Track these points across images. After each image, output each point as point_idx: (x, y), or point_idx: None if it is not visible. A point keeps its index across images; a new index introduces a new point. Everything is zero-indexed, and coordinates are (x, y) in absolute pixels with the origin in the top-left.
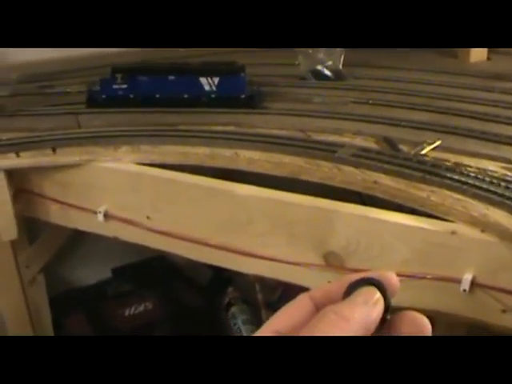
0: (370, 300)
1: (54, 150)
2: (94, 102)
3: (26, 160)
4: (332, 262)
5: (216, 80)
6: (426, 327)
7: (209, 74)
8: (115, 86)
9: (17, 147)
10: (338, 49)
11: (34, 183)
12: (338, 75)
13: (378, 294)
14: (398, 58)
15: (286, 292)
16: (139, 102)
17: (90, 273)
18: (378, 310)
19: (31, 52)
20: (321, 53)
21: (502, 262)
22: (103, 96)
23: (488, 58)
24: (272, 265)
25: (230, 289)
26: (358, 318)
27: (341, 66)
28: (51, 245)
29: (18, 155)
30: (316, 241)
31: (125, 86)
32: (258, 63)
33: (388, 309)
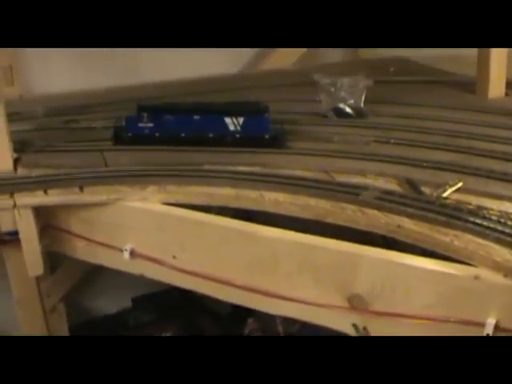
0: None
1: (81, 188)
2: (120, 139)
3: (53, 198)
4: (356, 304)
5: (240, 120)
6: None
7: (233, 113)
8: (141, 125)
9: (45, 185)
10: (360, 86)
11: (61, 220)
12: (359, 113)
13: None
14: (417, 93)
15: (306, 324)
16: (165, 141)
17: (110, 302)
18: None
19: (56, 84)
20: (342, 91)
21: None
22: (129, 134)
23: (506, 94)
24: (297, 306)
25: (250, 320)
26: None
27: (362, 104)
28: (72, 274)
29: (46, 193)
30: (341, 283)
31: (151, 125)
32: (281, 99)
33: None
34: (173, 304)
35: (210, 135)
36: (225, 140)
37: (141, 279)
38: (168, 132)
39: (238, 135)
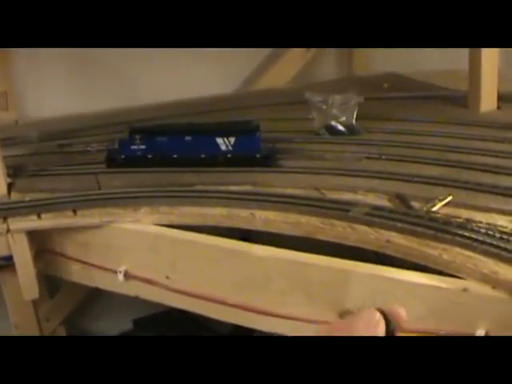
0: (371, 322)
1: (74, 211)
2: (113, 162)
3: (47, 222)
4: None
5: (232, 140)
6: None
7: (225, 134)
8: (134, 147)
9: (38, 209)
10: (351, 103)
11: (55, 243)
12: (351, 130)
13: (378, 316)
14: (409, 109)
15: None
16: (157, 163)
17: (110, 324)
18: (380, 332)
19: (51, 109)
20: (334, 108)
21: None
22: (122, 156)
23: (498, 107)
24: (290, 323)
25: None
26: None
27: (354, 121)
28: (71, 298)
29: (39, 217)
30: (332, 299)
31: (143, 147)
32: (274, 118)
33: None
34: (174, 325)
35: (202, 156)
36: (217, 160)
37: (142, 301)
38: (160, 153)
39: (229, 155)
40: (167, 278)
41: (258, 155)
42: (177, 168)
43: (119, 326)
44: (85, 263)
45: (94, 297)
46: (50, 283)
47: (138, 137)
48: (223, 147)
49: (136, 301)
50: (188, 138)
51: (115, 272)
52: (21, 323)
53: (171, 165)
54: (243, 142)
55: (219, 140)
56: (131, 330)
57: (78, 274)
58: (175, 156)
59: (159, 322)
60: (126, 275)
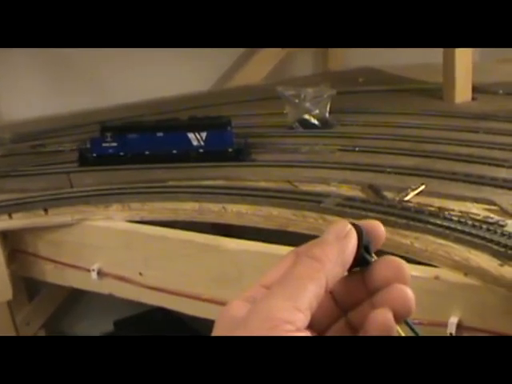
0: (341, 234)
1: (45, 210)
2: (85, 160)
3: (18, 221)
4: None
5: (203, 135)
6: (402, 269)
7: (196, 129)
8: (105, 145)
9: (9, 208)
10: (324, 96)
11: (27, 243)
12: (325, 123)
13: (349, 226)
14: (384, 101)
15: None
16: (129, 160)
17: (91, 326)
18: (350, 244)
19: (23, 111)
20: (307, 102)
21: (485, 304)
22: (94, 155)
23: (473, 98)
24: None
25: None
26: (331, 257)
27: (327, 114)
28: (51, 301)
29: (10, 217)
30: None
31: (114, 144)
32: (248, 114)
33: (368, 250)
34: (155, 325)
35: (174, 151)
36: (189, 156)
37: (122, 302)
38: (132, 150)
39: (201, 150)
40: (140, 274)
41: (230, 150)
42: (149, 164)
43: (100, 327)
44: (58, 263)
45: (74, 299)
46: (29, 287)
47: (109, 134)
48: (195, 142)
49: (117, 302)
50: (159, 134)
51: (88, 270)
52: None
53: (143, 161)
54: (215, 137)
55: (191, 135)
56: (112, 331)
57: (51, 274)
58: (147, 153)
59: (140, 323)
60: (100, 273)
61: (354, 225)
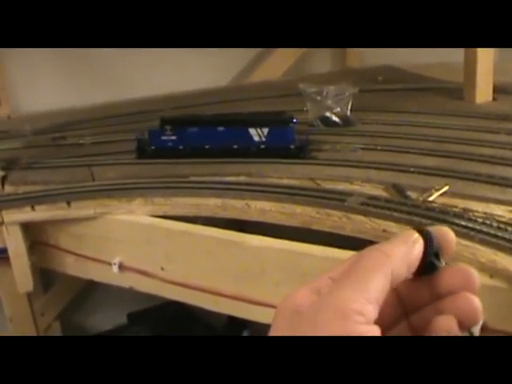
0: (409, 240)
1: (68, 203)
2: (143, 153)
3: (41, 214)
4: None
5: (265, 131)
6: (473, 278)
7: (258, 124)
8: (164, 138)
9: (32, 201)
10: (346, 94)
11: (49, 235)
12: (346, 121)
13: (416, 235)
14: (405, 100)
15: None
16: (188, 154)
17: (105, 318)
18: (417, 249)
19: (44, 103)
20: (329, 99)
21: (511, 307)
22: (152, 147)
23: (494, 99)
24: None
25: (245, 333)
26: (398, 253)
27: (349, 112)
28: (66, 292)
29: (33, 209)
30: None
31: (174, 138)
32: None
33: (437, 255)
34: (168, 318)
35: (235, 146)
36: (249, 151)
37: (136, 295)
38: (192, 144)
39: (262, 146)
40: (162, 269)
41: (292, 146)
42: (208, 159)
43: (114, 319)
44: (79, 255)
45: (89, 291)
46: (45, 278)
47: (168, 127)
48: (256, 138)
49: (130, 294)
50: (220, 128)
51: (109, 264)
52: (15, 317)
53: (202, 156)
54: (277, 133)
55: (252, 131)
56: (125, 324)
57: (72, 267)
58: (207, 147)
59: (153, 316)
60: (121, 267)
61: (423, 230)
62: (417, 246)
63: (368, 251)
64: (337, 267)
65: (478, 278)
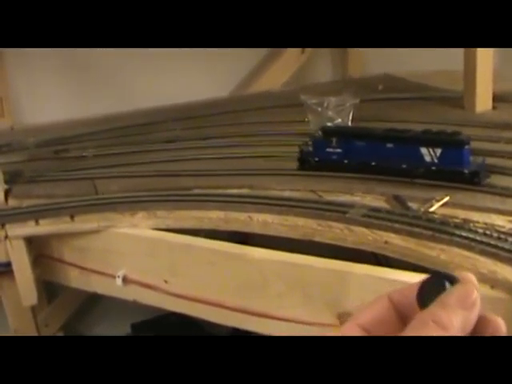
0: (468, 302)
1: (72, 217)
2: (306, 164)
3: (45, 227)
4: (346, 321)
5: (438, 151)
6: (500, 331)
7: (430, 144)
8: (329, 150)
9: (36, 215)
10: (347, 105)
11: (53, 249)
12: None
13: (476, 294)
14: (405, 110)
15: None
16: (353, 169)
17: (109, 329)
18: (475, 312)
19: (47, 115)
20: (330, 110)
21: None
22: (316, 159)
23: (494, 107)
24: (288, 325)
25: None
26: (456, 325)
27: (350, 123)
28: (70, 303)
29: (37, 223)
30: (330, 301)
31: (339, 151)
32: (270, 121)
33: None
34: (172, 329)
35: (403, 166)
36: (418, 172)
37: (140, 305)
38: (358, 159)
39: (433, 167)
40: (165, 282)
41: (466, 171)
42: (374, 175)
43: (118, 330)
44: (83, 268)
45: (93, 302)
46: (49, 288)
47: (334, 139)
48: (427, 158)
49: (134, 305)
50: (389, 145)
51: (113, 277)
52: (20, 329)
53: (368, 172)
54: (450, 155)
55: (424, 150)
56: (129, 334)
57: (76, 280)
58: (373, 163)
59: (158, 327)
60: (125, 280)
61: (450, 276)
62: (475, 310)
63: (426, 322)
64: (364, 313)
65: (505, 329)
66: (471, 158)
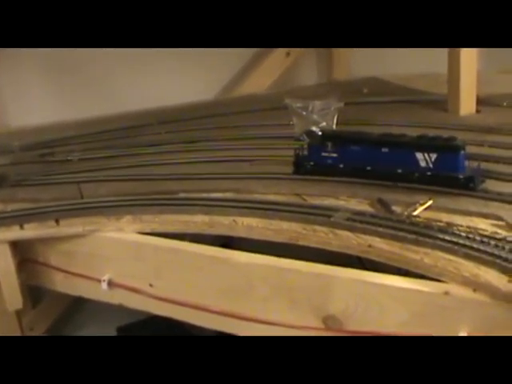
0: None
1: (57, 221)
2: (301, 168)
3: (29, 232)
4: (331, 325)
5: (433, 156)
6: None
7: (426, 149)
8: (325, 154)
9: (21, 219)
10: (332, 109)
11: (38, 253)
12: None
13: None
14: (390, 113)
15: None
16: (349, 173)
17: (95, 332)
18: None
19: (32, 118)
20: (314, 114)
21: (494, 320)
22: (311, 163)
23: (477, 111)
24: (273, 329)
25: None
26: None
27: (334, 126)
28: (55, 307)
29: (21, 227)
30: (315, 305)
31: (335, 155)
32: (255, 124)
33: None
34: (158, 332)
35: (399, 171)
36: (413, 177)
37: (126, 308)
38: (353, 164)
39: (428, 173)
40: (151, 285)
41: (461, 176)
42: (369, 180)
43: (103, 333)
44: (68, 272)
45: (78, 305)
46: (33, 292)
47: (329, 144)
48: (423, 164)
49: (120, 308)
50: (384, 149)
51: (99, 281)
52: (4, 333)
53: (364, 177)
54: (445, 160)
55: (419, 155)
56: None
57: (61, 284)
58: (369, 168)
59: (144, 329)
60: (110, 284)
61: None
62: None
63: None
64: None
65: None
66: (466, 163)
